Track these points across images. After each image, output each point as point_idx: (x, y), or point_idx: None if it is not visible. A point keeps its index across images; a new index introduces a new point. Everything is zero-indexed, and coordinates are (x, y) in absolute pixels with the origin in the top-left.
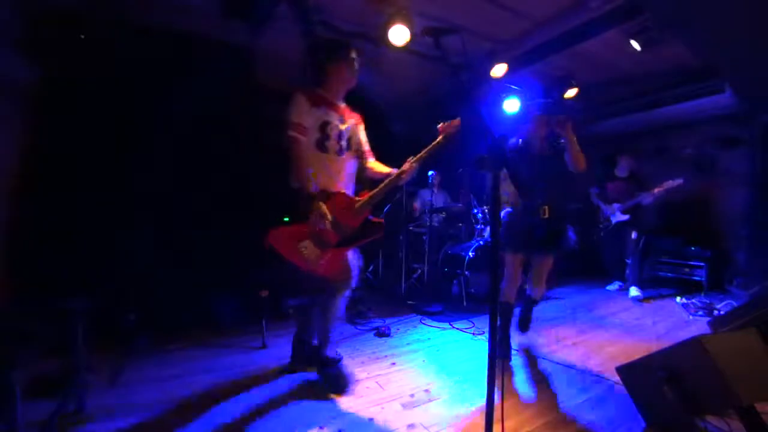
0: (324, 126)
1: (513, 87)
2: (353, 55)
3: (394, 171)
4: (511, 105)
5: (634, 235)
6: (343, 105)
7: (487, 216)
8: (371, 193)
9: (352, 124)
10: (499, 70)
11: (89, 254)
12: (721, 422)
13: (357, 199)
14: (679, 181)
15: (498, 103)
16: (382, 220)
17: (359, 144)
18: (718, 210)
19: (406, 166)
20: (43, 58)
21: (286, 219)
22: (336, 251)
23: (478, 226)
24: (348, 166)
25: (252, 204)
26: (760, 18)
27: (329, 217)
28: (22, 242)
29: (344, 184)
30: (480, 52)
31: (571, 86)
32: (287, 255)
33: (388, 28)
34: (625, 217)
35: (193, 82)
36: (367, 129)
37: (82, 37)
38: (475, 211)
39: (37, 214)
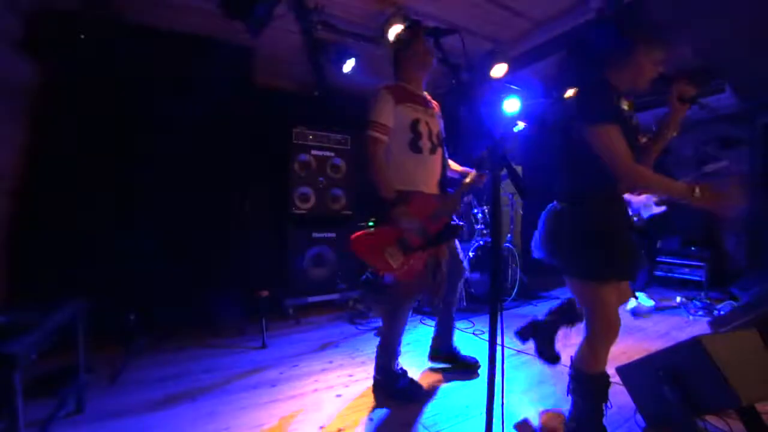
0: (415, 124)
1: (513, 87)
2: (422, 34)
3: (468, 170)
4: (511, 105)
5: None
6: (425, 94)
7: (488, 216)
8: (454, 196)
9: (438, 116)
10: (499, 70)
11: (89, 254)
12: (721, 422)
13: (441, 202)
14: (723, 163)
15: (498, 103)
16: (462, 224)
17: (440, 136)
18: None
19: (474, 177)
20: (43, 58)
21: (371, 224)
22: (418, 255)
23: (478, 226)
24: (442, 163)
25: (252, 204)
26: (760, 18)
27: (416, 221)
28: (22, 242)
29: (441, 185)
30: (480, 52)
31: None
32: (370, 260)
33: (388, 28)
34: (662, 208)
35: (193, 81)
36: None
37: (82, 37)
38: (475, 211)
39: (38, 213)
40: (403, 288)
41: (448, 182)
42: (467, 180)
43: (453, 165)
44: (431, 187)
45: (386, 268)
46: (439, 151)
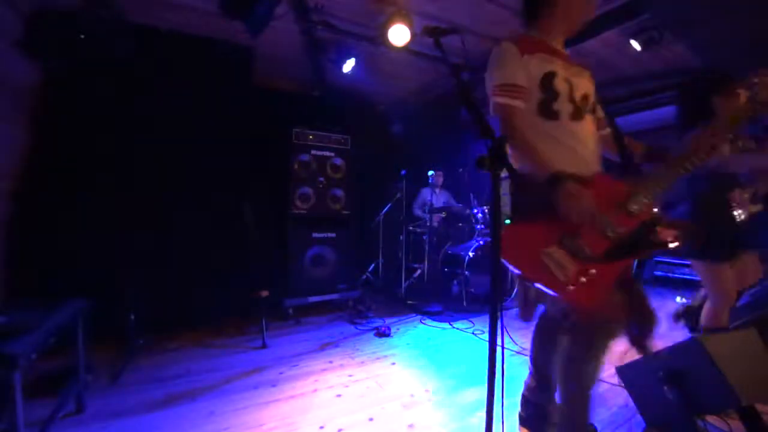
0: (548, 80)
1: None
2: None
3: (666, 152)
4: None
5: None
6: (567, 53)
7: (487, 216)
8: (654, 179)
9: (587, 77)
10: None
11: (89, 254)
12: (721, 422)
13: (630, 188)
14: None
15: None
16: (691, 224)
17: (595, 106)
18: None
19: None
20: (43, 58)
21: (507, 221)
22: (604, 268)
23: (478, 226)
24: (592, 135)
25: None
26: (760, 18)
27: (593, 206)
28: (22, 242)
29: (591, 164)
30: (480, 52)
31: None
32: (522, 268)
33: (388, 28)
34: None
35: (193, 81)
36: (366, 129)
37: (82, 37)
38: (475, 211)
39: (37, 214)
40: (587, 322)
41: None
42: (698, 150)
43: (633, 142)
44: (576, 167)
45: (548, 281)
46: (588, 118)
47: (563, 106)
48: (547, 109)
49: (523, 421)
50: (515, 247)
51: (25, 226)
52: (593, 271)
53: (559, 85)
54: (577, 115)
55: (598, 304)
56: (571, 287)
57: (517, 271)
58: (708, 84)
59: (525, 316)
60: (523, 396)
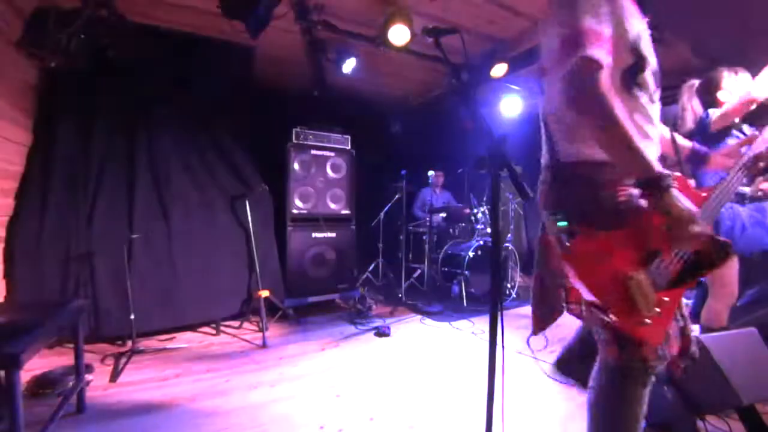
0: (638, 40)
1: (513, 87)
2: None
3: (707, 155)
4: (511, 105)
5: None
6: None
7: (488, 216)
8: (727, 182)
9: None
10: (499, 70)
11: (89, 254)
12: (721, 422)
13: (701, 198)
14: None
15: (498, 102)
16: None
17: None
18: None
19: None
20: (43, 58)
21: (563, 223)
22: (673, 295)
23: (478, 226)
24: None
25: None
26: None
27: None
28: (22, 242)
29: (658, 158)
30: (480, 52)
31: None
32: (599, 294)
33: (388, 28)
34: None
35: (193, 81)
36: (366, 129)
37: (82, 37)
38: (475, 211)
39: (37, 213)
40: (639, 356)
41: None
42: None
43: (680, 139)
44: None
45: (623, 312)
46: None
47: (648, 81)
48: (632, 81)
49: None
50: (593, 268)
51: (24, 226)
52: (666, 299)
53: (647, 50)
54: (655, 96)
55: (657, 338)
56: (648, 321)
57: (590, 297)
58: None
59: (540, 328)
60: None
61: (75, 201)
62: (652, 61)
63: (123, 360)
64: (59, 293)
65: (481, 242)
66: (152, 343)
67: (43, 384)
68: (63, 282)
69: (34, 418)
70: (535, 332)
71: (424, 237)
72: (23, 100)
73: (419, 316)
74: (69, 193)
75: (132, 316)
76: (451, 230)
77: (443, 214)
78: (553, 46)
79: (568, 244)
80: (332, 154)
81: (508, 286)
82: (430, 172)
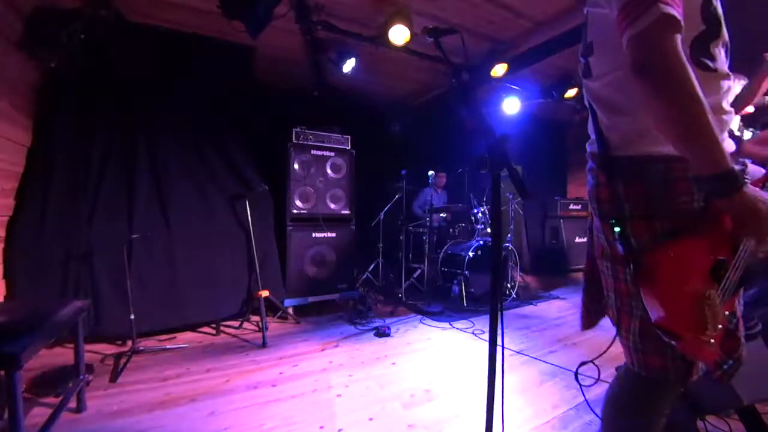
0: (708, 4)
1: (513, 87)
2: None
3: None
4: (511, 105)
5: None
6: None
7: (488, 216)
8: None
9: None
10: (499, 70)
11: (89, 254)
12: (721, 422)
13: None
14: None
15: (498, 102)
16: None
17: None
18: None
19: None
20: (43, 58)
21: (617, 229)
22: (729, 305)
23: (479, 226)
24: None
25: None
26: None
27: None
28: (22, 241)
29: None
30: (480, 52)
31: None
32: (671, 313)
33: (388, 28)
34: None
35: (193, 81)
36: (366, 129)
37: (82, 37)
38: (475, 211)
39: (37, 213)
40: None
41: None
42: None
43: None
44: (729, 148)
45: (688, 331)
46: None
47: (720, 53)
48: (706, 52)
49: None
50: (670, 284)
51: (24, 226)
52: (727, 312)
53: (722, 23)
54: (726, 73)
55: (716, 357)
56: (713, 341)
57: (659, 314)
58: None
59: (589, 323)
60: None
61: (75, 201)
62: (724, 31)
63: (123, 360)
64: (59, 293)
65: (481, 242)
66: (152, 343)
67: (43, 384)
68: (63, 282)
69: (34, 418)
70: (582, 327)
71: (424, 237)
72: (23, 100)
73: (419, 316)
74: (69, 193)
75: (132, 316)
76: (451, 230)
77: (443, 214)
78: (610, 11)
79: (633, 254)
80: (332, 154)
81: (508, 286)
82: (430, 172)
